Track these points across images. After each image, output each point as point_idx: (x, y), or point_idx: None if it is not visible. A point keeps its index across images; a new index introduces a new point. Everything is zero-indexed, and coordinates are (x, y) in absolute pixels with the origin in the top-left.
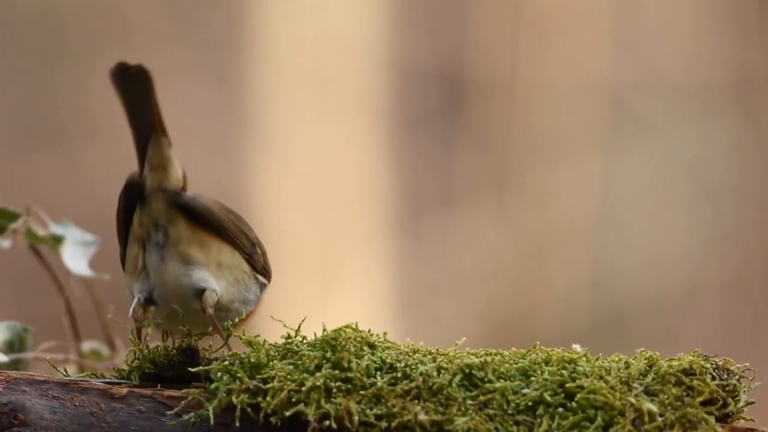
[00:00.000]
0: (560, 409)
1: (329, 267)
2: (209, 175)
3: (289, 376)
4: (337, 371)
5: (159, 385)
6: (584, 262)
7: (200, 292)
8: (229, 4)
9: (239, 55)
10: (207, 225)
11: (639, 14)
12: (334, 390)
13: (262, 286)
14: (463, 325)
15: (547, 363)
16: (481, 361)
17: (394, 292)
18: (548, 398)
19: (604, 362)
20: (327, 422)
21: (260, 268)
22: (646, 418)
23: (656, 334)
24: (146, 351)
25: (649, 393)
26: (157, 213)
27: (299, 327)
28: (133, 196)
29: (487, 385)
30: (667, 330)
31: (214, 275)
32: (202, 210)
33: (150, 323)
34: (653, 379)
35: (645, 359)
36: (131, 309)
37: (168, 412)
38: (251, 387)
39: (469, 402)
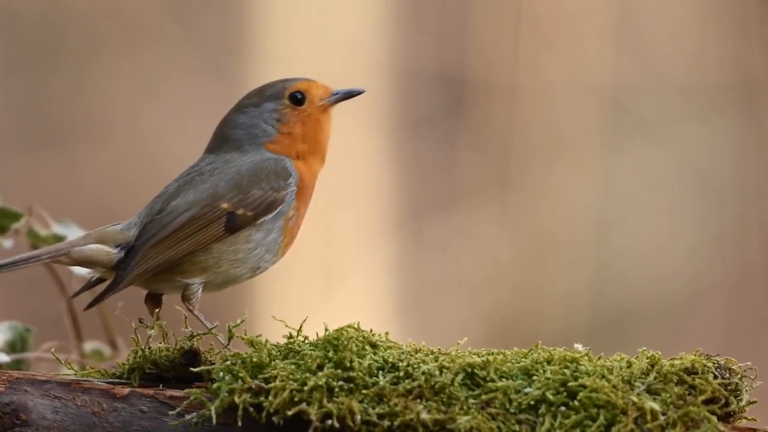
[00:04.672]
0: (562, 408)
1: (331, 267)
2: None
3: (291, 376)
4: (339, 371)
5: (161, 385)
6: (586, 263)
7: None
8: (229, 4)
9: (240, 55)
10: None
11: (640, 16)
12: (337, 389)
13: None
14: (465, 325)
15: (549, 362)
16: (483, 361)
17: (396, 292)
18: (550, 397)
19: (606, 361)
20: (329, 421)
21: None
22: (649, 417)
23: (658, 334)
24: (148, 352)
25: (651, 392)
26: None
27: (301, 327)
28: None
29: (490, 384)
30: (670, 330)
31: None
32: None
33: (154, 324)
34: (655, 378)
35: (647, 358)
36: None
37: (170, 412)
38: (253, 387)
39: (472, 401)
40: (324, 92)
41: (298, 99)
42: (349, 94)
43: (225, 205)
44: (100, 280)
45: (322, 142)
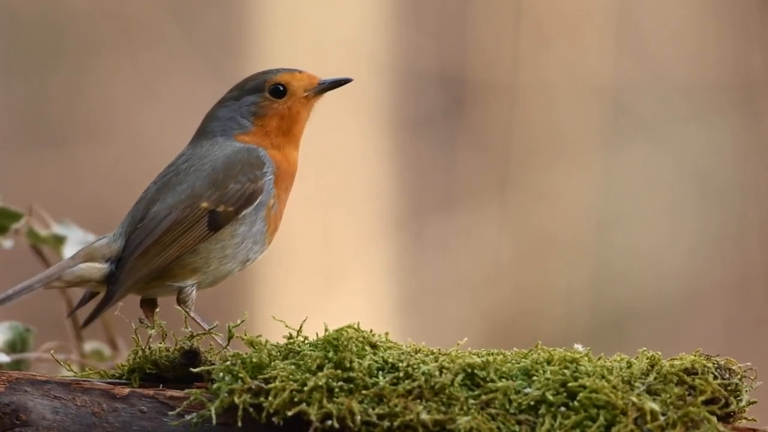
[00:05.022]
0: (562, 409)
1: (331, 267)
2: None
3: (291, 376)
4: (339, 371)
5: (161, 386)
6: (586, 263)
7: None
8: (229, 4)
9: (240, 55)
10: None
11: (640, 15)
12: (336, 390)
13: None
14: (465, 325)
15: (549, 362)
16: (483, 361)
17: (396, 292)
18: (550, 397)
19: (606, 362)
20: (329, 422)
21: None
22: (649, 417)
23: (658, 334)
24: (148, 352)
25: (651, 392)
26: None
27: (301, 327)
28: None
29: (489, 384)
30: (670, 330)
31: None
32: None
33: (153, 324)
34: (655, 379)
35: (647, 359)
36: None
37: (170, 413)
38: (253, 387)
39: (471, 401)
40: (309, 83)
41: (279, 91)
42: (336, 83)
43: (205, 204)
44: (93, 294)
45: (295, 134)
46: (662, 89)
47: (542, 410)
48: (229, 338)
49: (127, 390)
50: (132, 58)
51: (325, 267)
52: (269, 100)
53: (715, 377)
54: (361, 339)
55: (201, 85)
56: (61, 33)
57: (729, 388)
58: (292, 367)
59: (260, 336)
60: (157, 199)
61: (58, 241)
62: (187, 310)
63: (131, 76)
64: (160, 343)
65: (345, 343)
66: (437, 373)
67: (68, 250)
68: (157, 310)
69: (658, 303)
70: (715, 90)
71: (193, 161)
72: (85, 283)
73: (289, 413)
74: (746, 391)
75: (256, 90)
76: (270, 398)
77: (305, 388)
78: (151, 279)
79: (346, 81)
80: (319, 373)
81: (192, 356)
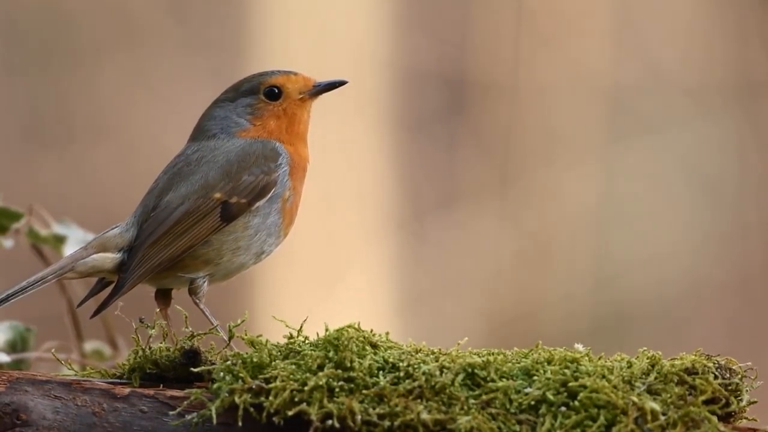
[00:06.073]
0: (563, 408)
1: (332, 267)
2: None
3: (291, 376)
4: (339, 371)
5: (161, 385)
6: (586, 263)
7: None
8: (231, 5)
9: (241, 55)
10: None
11: (640, 15)
12: (337, 389)
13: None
14: (466, 325)
15: (549, 362)
16: (483, 361)
17: (397, 292)
18: (551, 397)
19: (606, 361)
20: (330, 421)
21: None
22: (649, 417)
23: (659, 334)
24: (148, 351)
25: (651, 392)
26: None
27: (301, 327)
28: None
29: (490, 384)
30: (670, 330)
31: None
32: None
33: (154, 324)
34: (656, 378)
35: (647, 358)
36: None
37: (170, 412)
38: (254, 387)
39: (472, 401)
40: (304, 85)
41: (274, 94)
42: (331, 86)
43: (218, 195)
44: (104, 285)
45: (300, 133)
46: (662, 89)
47: (543, 410)
48: (230, 338)
49: (127, 390)
50: (132, 58)
51: (326, 266)
52: (264, 102)
53: (716, 377)
54: (361, 339)
55: (201, 85)
56: (61, 33)
57: (729, 387)
58: (293, 366)
59: (261, 336)
60: (169, 189)
61: (59, 240)
62: (197, 301)
63: (131, 76)
64: (161, 343)
65: (345, 342)
66: (438, 372)
67: (68, 250)
68: (167, 309)
69: (658, 303)
70: (715, 90)
71: (204, 152)
72: (98, 273)
73: (290, 413)
74: (747, 390)
75: (251, 92)
76: (270, 398)
77: (306, 388)
78: (162, 269)
79: (341, 83)
80: (320, 373)
81: (192, 356)
